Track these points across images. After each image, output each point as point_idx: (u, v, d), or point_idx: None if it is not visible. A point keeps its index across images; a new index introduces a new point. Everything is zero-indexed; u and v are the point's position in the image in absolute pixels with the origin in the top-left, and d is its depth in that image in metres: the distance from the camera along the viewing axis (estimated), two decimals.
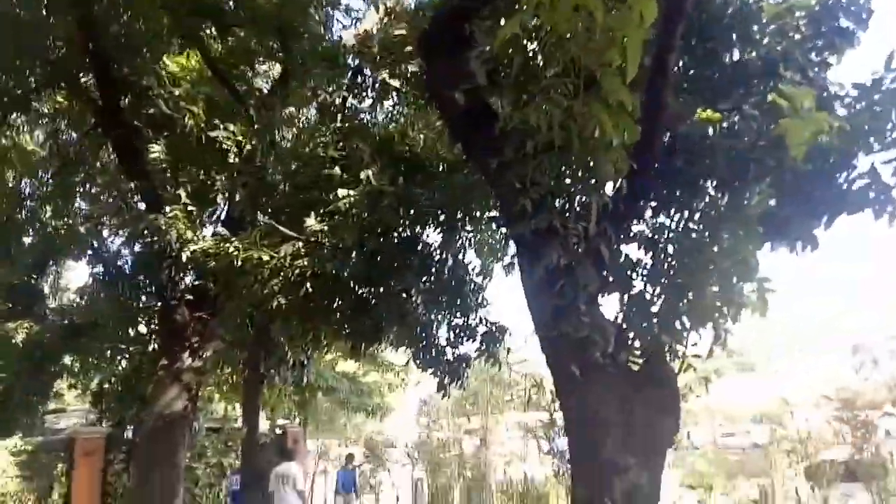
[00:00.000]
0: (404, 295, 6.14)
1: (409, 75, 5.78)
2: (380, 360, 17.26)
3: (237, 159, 6.64)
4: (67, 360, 13.40)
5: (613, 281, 4.44)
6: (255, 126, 6.86)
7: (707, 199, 4.41)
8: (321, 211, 5.92)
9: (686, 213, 4.43)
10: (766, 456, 9.24)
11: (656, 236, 4.51)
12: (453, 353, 6.48)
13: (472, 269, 6.89)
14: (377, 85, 6.79)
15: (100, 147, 9.76)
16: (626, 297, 4.43)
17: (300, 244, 5.98)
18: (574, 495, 4.27)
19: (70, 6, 7.30)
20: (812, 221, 4.05)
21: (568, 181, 4.23)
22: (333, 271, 5.78)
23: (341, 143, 6.31)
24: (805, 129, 3.54)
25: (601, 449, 4.06)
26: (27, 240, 12.21)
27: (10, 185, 11.01)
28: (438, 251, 6.45)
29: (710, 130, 4.16)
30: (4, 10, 7.31)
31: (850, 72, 4.59)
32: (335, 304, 6.41)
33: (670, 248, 4.42)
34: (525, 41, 4.21)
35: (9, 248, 11.74)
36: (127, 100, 8.27)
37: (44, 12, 7.64)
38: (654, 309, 4.33)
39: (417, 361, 6.55)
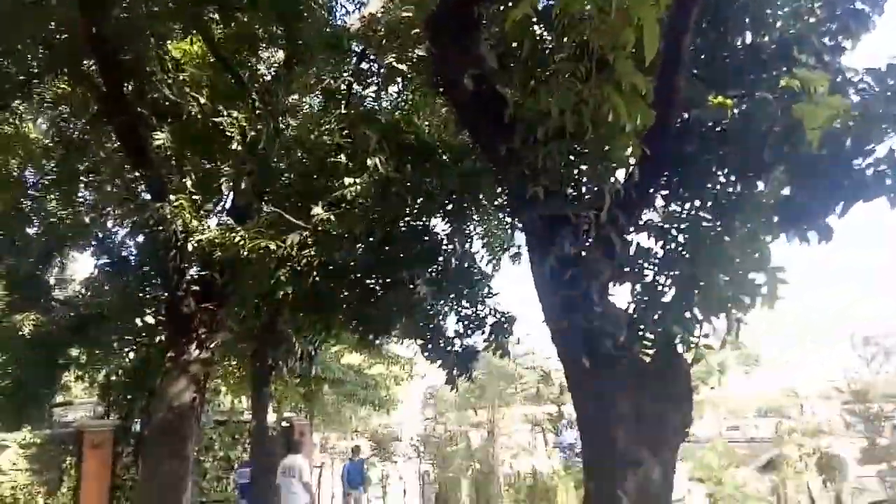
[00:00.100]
0: (412, 285, 6.08)
1: (415, 60, 5.68)
2: (385, 352, 17.26)
3: (241, 147, 6.57)
4: (74, 352, 13.42)
5: (625, 271, 4.36)
6: (258, 113, 6.78)
7: (718, 187, 4.33)
8: (327, 199, 5.86)
9: (697, 202, 4.35)
10: (776, 449, 9.19)
11: (667, 225, 4.43)
12: (461, 345, 6.42)
13: (480, 259, 6.83)
14: (383, 70, 6.68)
15: (103, 135, 9.70)
16: (637, 287, 4.36)
17: (307, 233, 5.91)
18: (587, 488, 4.22)
19: None
20: (828, 209, 3.95)
21: (579, 168, 4.14)
22: (340, 261, 5.72)
23: (346, 131, 6.23)
24: (820, 114, 3.46)
25: (614, 442, 4.00)
26: (31, 230, 12.21)
27: (14, 174, 10.99)
28: (446, 240, 6.37)
29: (724, 116, 4.06)
30: None
31: (865, 57, 4.50)
32: (343, 295, 6.35)
33: (681, 238, 4.34)
34: (535, 23, 4.12)
35: (14, 239, 11.75)
36: (130, 86, 8.19)
37: None
38: (666, 299, 4.25)
39: (426, 353, 6.49)
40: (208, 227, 7.17)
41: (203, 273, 8.64)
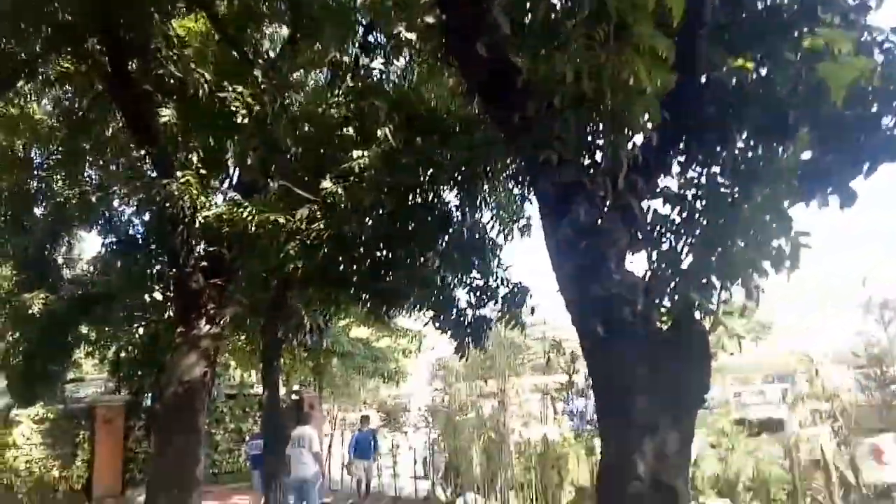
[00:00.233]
0: (422, 257, 6.04)
1: (425, 29, 5.54)
2: (394, 325, 17.33)
3: (247, 122, 6.48)
4: (84, 329, 13.52)
5: (641, 238, 4.31)
6: (264, 88, 6.67)
7: (737, 152, 4.25)
8: (336, 172, 5.78)
9: (715, 168, 4.28)
10: (789, 413, 9.21)
11: (684, 191, 4.37)
12: (474, 315, 6.40)
13: (491, 230, 6.77)
14: (392, 41, 6.54)
15: (108, 113, 9.61)
16: (654, 254, 4.31)
17: (315, 207, 5.86)
18: (603, 456, 4.21)
19: None
20: (852, 171, 3.88)
21: (596, 134, 4.06)
22: (350, 234, 5.67)
23: (354, 104, 6.13)
24: (845, 74, 3.37)
25: (630, 409, 3.97)
26: (38, 210, 12.22)
27: (21, 154, 10.94)
28: (457, 211, 6.31)
29: (746, 78, 3.96)
30: None
31: (891, 16, 4.38)
32: (353, 268, 6.32)
33: (698, 204, 4.27)
34: None
35: (21, 219, 11.76)
36: (134, 64, 8.08)
37: None
38: (684, 266, 4.21)
39: (437, 324, 6.47)
40: (215, 203, 7.12)
41: (211, 249, 8.62)
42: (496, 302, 6.48)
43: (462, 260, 6.38)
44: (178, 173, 7.01)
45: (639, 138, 4.02)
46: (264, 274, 7.37)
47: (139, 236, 11.88)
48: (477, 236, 6.52)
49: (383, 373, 18.03)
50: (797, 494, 7.40)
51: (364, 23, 7.23)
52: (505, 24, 4.05)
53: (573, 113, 3.80)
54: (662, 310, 4.26)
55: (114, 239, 12.01)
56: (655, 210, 4.34)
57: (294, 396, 17.65)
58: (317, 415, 17.57)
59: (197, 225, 6.94)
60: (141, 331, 13.25)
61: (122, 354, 14.51)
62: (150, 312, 12.38)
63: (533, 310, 6.49)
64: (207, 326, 8.93)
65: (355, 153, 5.58)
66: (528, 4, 4.20)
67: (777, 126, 3.91)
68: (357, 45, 7.36)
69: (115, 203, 11.97)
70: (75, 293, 12.28)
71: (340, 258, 6.21)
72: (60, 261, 14.14)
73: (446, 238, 6.32)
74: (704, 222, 4.19)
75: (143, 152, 8.15)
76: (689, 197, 4.31)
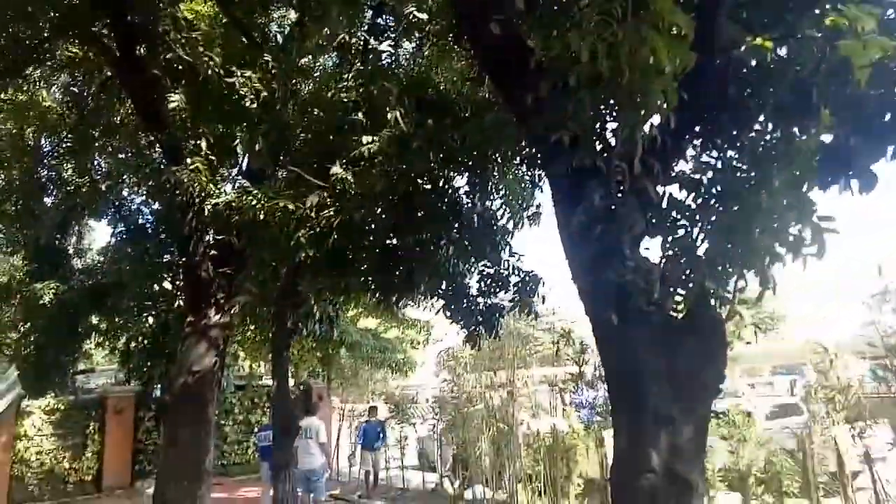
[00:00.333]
0: (433, 244, 5.96)
1: (435, 9, 5.46)
2: (402, 316, 17.29)
3: (255, 105, 6.41)
4: (94, 319, 13.57)
5: (657, 223, 4.21)
6: (273, 72, 6.60)
7: (754, 135, 4.14)
8: (346, 158, 5.70)
9: (730, 152, 4.17)
10: (802, 404, 9.09)
11: (700, 176, 4.26)
12: (485, 304, 6.32)
13: (501, 217, 6.68)
14: (402, 21, 6.45)
15: (117, 100, 9.58)
16: (669, 240, 4.21)
17: (326, 193, 5.78)
18: (616, 447, 4.13)
19: None
20: (875, 153, 3.77)
21: (611, 115, 3.96)
22: (360, 221, 5.60)
23: (363, 88, 6.05)
24: (868, 53, 3.27)
25: (644, 399, 3.89)
26: (49, 199, 12.24)
27: (31, 142, 10.95)
28: (468, 197, 6.23)
29: (766, 57, 3.85)
30: None
31: None
32: (363, 255, 6.25)
33: (714, 189, 4.17)
34: None
35: (32, 208, 11.78)
36: (143, 48, 8.02)
37: None
38: (699, 252, 4.11)
39: (448, 313, 6.40)
40: (224, 190, 7.06)
41: (220, 237, 8.58)
42: (507, 291, 6.40)
43: (473, 247, 6.29)
44: (188, 160, 6.96)
45: (655, 120, 3.93)
46: (273, 262, 7.31)
47: (148, 225, 11.89)
48: (488, 223, 6.43)
49: (391, 364, 18.01)
50: (810, 488, 7.30)
51: (373, 4, 7.13)
52: (519, 1, 3.95)
53: (588, 93, 3.70)
54: (677, 298, 4.17)
55: (123, 228, 12.03)
56: (671, 195, 4.24)
57: (303, 387, 17.67)
58: (325, 406, 17.59)
59: (206, 213, 6.89)
60: (151, 320, 13.27)
61: (133, 345, 14.54)
62: (159, 302, 12.39)
63: (544, 299, 6.41)
64: (217, 316, 8.90)
65: (365, 138, 5.49)
66: None
67: (799, 106, 3.80)
68: (366, 27, 7.26)
69: (125, 192, 12.01)
70: (86, 283, 12.31)
71: (350, 245, 6.14)
72: (71, 251, 14.20)
73: (457, 225, 6.24)
74: (720, 208, 4.10)
75: (151, 138, 8.09)
76: (705, 182, 4.21)
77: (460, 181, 6.35)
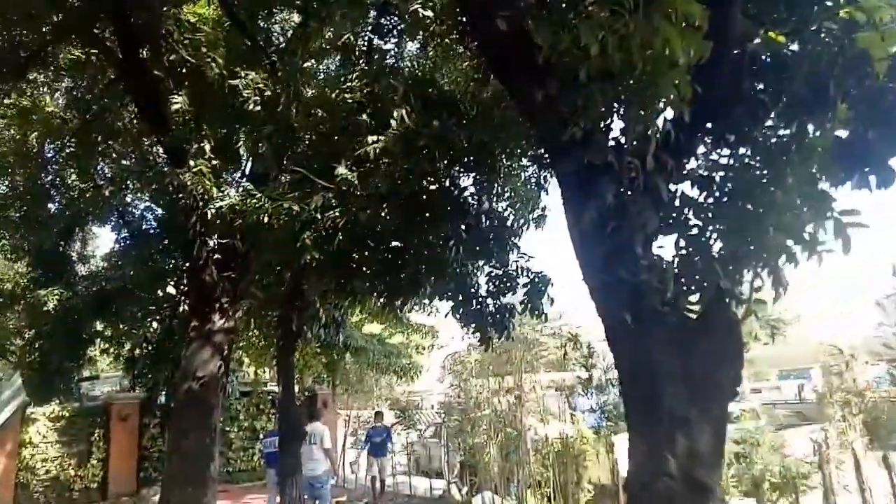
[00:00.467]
0: (440, 245, 5.87)
1: (441, 7, 5.38)
2: (407, 320, 17.19)
3: (259, 108, 6.35)
4: (99, 326, 13.52)
5: (670, 222, 4.12)
6: (279, 73, 6.53)
7: (766, 132, 4.05)
8: (350, 159, 5.62)
9: (742, 149, 4.08)
10: (818, 409, 8.94)
11: (711, 174, 4.17)
12: (495, 304, 6.23)
13: (508, 217, 6.59)
14: (407, 18, 6.36)
15: (120, 104, 9.54)
16: (682, 238, 4.11)
17: (331, 194, 5.70)
18: (632, 452, 4.02)
19: None
20: (894, 148, 3.67)
21: (623, 110, 3.86)
22: (366, 221, 5.52)
23: (368, 88, 5.97)
24: (888, 44, 3.19)
25: (659, 401, 3.78)
26: (52, 206, 12.22)
27: (35, 148, 10.92)
28: (475, 197, 6.14)
29: (781, 50, 3.76)
30: None
31: None
32: (369, 257, 6.16)
33: (727, 187, 4.07)
34: None
35: (36, 214, 11.75)
36: (146, 50, 7.98)
37: None
38: (714, 251, 4.01)
39: (457, 315, 6.31)
40: (228, 193, 6.99)
41: (224, 241, 8.52)
42: (516, 292, 6.30)
43: (481, 248, 6.20)
44: (191, 163, 6.91)
45: (668, 114, 3.84)
46: (278, 265, 7.23)
47: (152, 231, 11.85)
48: (495, 223, 6.34)
49: (397, 369, 17.90)
50: (828, 493, 7.16)
51: (377, 3, 7.06)
52: None
53: (599, 88, 3.61)
54: (692, 297, 4.07)
55: (127, 234, 12.00)
56: (683, 193, 4.15)
57: (308, 393, 17.59)
58: (330, 412, 17.50)
59: (209, 216, 6.83)
60: (155, 325, 13.22)
61: (137, 351, 14.49)
62: (163, 307, 12.34)
63: (553, 300, 6.31)
64: (221, 320, 8.84)
65: (370, 138, 5.41)
66: None
67: (814, 100, 3.71)
68: (370, 27, 7.20)
69: (129, 198, 11.98)
70: (90, 289, 12.26)
71: (356, 247, 6.06)
72: (75, 257, 14.16)
73: (464, 226, 6.15)
74: (734, 206, 4.00)
75: (155, 139, 8.04)
76: (718, 179, 4.12)
77: (466, 181, 6.28)
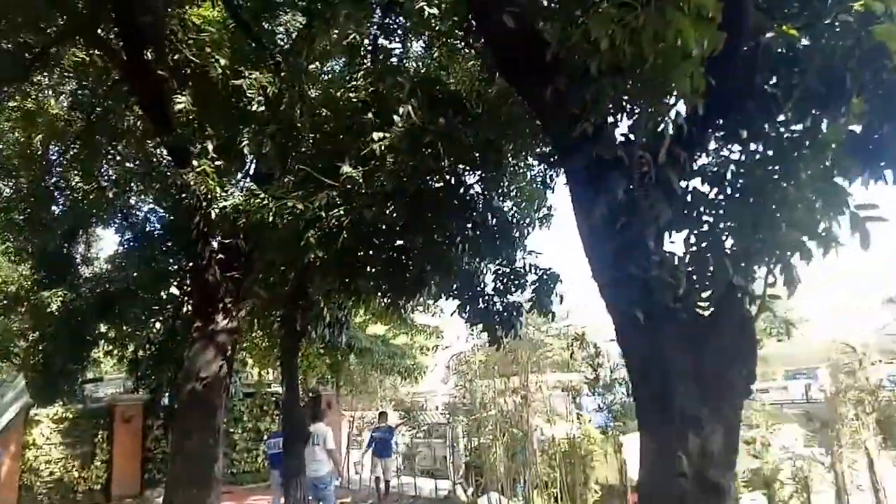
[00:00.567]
0: (446, 243, 5.82)
1: (445, 7, 5.33)
2: (410, 321, 17.13)
3: (263, 108, 6.31)
4: (103, 328, 13.49)
5: (681, 217, 4.06)
6: (283, 73, 6.50)
7: (780, 127, 3.99)
8: (355, 157, 5.57)
9: (752, 145, 4.02)
10: (830, 408, 8.85)
11: (722, 169, 4.11)
12: (502, 303, 6.18)
13: (514, 216, 6.55)
14: (413, 17, 6.31)
15: (125, 105, 9.52)
16: (694, 234, 4.06)
17: (335, 193, 5.66)
18: (643, 451, 3.97)
19: None
20: None
21: (634, 104, 3.81)
22: (371, 220, 5.47)
23: (373, 87, 5.93)
24: None
25: (671, 399, 3.73)
26: (56, 208, 12.19)
27: (39, 150, 10.90)
28: (481, 195, 6.09)
29: (795, 43, 3.70)
30: None
31: None
32: (374, 255, 6.12)
33: (739, 183, 4.02)
34: None
35: (40, 217, 11.73)
36: (150, 51, 7.96)
37: None
38: (726, 247, 3.96)
39: (464, 314, 6.26)
40: (232, 193, 6.96)
41: (227, 241, 8.49)
42: (524, 290, 6.26)
43: (487, 246, 6.15)
44: (195, 162, 6.87)
45: (681, 108, 3.79)
46: (282, 265, 7.19)
47: (156, 232, 11.84)
48: (502, 222, 6.29)
49: (401, 370, 17.84)
50: (842, 493, 7.09)
51: (382, 1, 7.02)
52: None
53: (610, 83, 3.56)
54: (704, 294, 4.01)
55: (131, 236, 11.98)
56: (695, 189, 4.10)
57: (312, 394, 17.56)
58: (334, 413, 17.46)
59: (213, 216, 6.80)
60: (158, 326, 13.20)
61: (140, 353, 14.47)
62: (167, 308, 12.32)
63: (562, 298, 6.26)
64: (225, 321, 8.80)
65: (376, 135, 5.36)
66: None
67: (829, 94, 3.65)
68: (375, 26, 7.16)
69: (133, 200, 11.96)
70: (94, 291, 12.23)
71: (360, 245, 6.01)
72: (79, 259, 14.14)
73: (470, 224, 6.10)
74: (746, 201, 3.95)
75: (159, 140, 8.02)
76: (730, 175, 4.07)
77: (472, 179, 6.23)
